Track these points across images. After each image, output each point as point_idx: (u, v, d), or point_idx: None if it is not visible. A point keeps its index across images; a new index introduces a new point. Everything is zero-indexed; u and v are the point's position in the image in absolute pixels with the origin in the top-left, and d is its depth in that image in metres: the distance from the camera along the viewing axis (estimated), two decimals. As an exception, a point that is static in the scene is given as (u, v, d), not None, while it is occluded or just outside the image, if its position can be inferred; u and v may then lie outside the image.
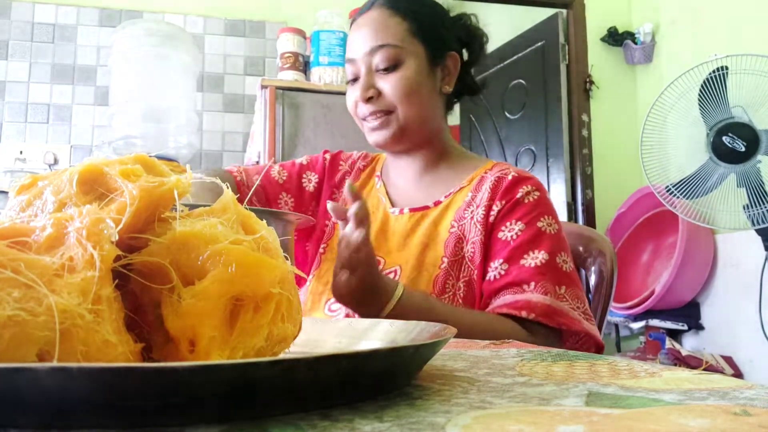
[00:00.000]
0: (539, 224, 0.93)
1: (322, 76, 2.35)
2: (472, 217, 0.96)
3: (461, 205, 0.99)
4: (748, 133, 2.24)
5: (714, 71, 2.26)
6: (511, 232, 0.93)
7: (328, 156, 1.15)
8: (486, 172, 1.02)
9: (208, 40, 2.83)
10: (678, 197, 2.35)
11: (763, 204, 2.21)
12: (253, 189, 1.06)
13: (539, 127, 3.39)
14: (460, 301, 0.92)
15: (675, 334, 2.96)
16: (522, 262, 0.90)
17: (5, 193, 2.23)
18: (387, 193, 1.08)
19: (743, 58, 2.23)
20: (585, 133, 3.29)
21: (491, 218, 0.94)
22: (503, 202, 0.95)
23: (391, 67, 0.97)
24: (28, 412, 0.24)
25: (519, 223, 0.93)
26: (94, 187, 0.34)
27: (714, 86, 2.27)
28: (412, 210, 1.02)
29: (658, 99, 2.39)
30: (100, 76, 2.70)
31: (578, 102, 3.29)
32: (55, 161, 2.61)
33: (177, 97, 2.41)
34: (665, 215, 2.84)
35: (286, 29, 2.49)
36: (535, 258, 0.90)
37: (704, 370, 2.48)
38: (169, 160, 2.21)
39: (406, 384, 0.35)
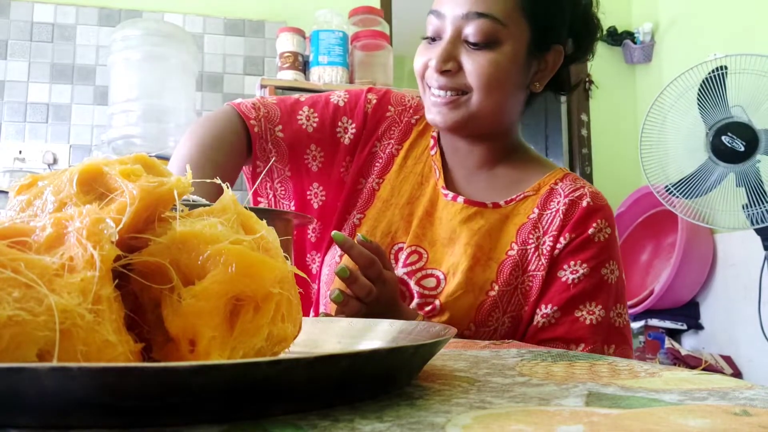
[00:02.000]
0: (603, 271, 0.84)
1: (321, 75, 2.35)
2: (536, 247, 0.85)
3: (525, 222, 0.86)
4: (747, 132, 2.24)
5: (713, 71, 2.26)
6: (574, 274, 0.83)
7: (372, 98, 0.96)
8: (556, 183, 0.89)
9: (207, 39, 2.83)
10: (677, 197, 2.35)
11: (763, 203, 2.22)
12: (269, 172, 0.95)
13: (538, 126, 3.39)
14: (500, 337, 0.83)
15: (674, 334, 2.96)
16: (576, 314, 0.82)
17: (5, 193, 2.23)
18: (442, 165, 0.93)
19: (742, 58, 2.23)
20: (584, 132, 3.29)
21: (556, 251, 0.84)
22: (573, 235, 0.84)
23: (483, 44, 0.81)
24: (28, 412, 0.24)
25: (584, 265, 0.83)
26: (94, 187, 0.34)
27: (713, 86, 2.27)
28: (468, 202, 0.88)
29: (658, 99, 2.39)
30: (99, 76, 2.70)
31: (577, 101, 3.29)
32: (55, 161, 2.61)
33: (176, 96, 2.41)
34: (664, 215, 2.84)
35: (286, 29, 2.49)
36: (591, 313, 0.82)
37: (703, 369, 2.48)
38: (169, 159, 2.21)
39: (406, 384, 0.35)
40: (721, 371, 2.59)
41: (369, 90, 0.97)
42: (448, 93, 0.83)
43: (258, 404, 0.26)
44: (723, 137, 2.26)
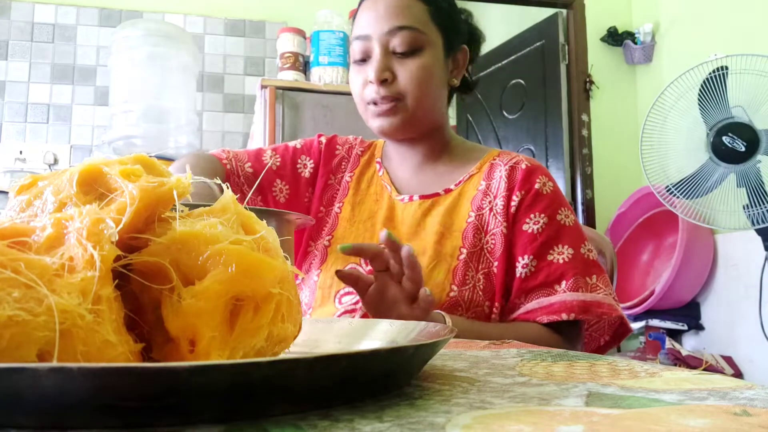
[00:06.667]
0: (558, 217, 0.95)
1: (322, 76, 2.35)
2: (491, 209, 0.96)
3: (476, 193, 0.98)
4: (748, 133, 2.24)
5: (714, 71, 2.26)
6: (536, 224, 0.94)
7: (323, 140, 1.12)
8: (495, 159, 1.02)
9: (208, 40, 2.83)
10: (678, 197, 2.35)
11: (763, 204, 2.21)
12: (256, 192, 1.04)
13: (538, 126, 3.38)
14: (480, 293, 0.91)
15: (675, 334, 2.96)
16: (550, 258, 0.92)
17: (5, 193, 2.23)
18: (390, 180, 1.06)
19: (743, 58, 2.23)
20: (585, 133, 3.29)
21: (512, 209, 0.95)
22: (522, 192, 0.95)
23: (410, 52, 0.94)
24: (28, 412, 0.24)
25: (542, 215, 0.94)
26: (94, 187, 0.34)
27: (714, 86, 2.26)
28: (423, 197, 1.00)
29: (658, 99, 2.39)
30: (99, 76, 2.70)
31: (578, 102, 3.28)
32: (55, 161, 2.61)
33: (177, 97, 2.41)
34: (665, 215, 2.84)
35: (286, 29, 2.49)
36: (561, 254, 0.92)
37: (704, 370, 2.48)
38: (169, 160, 2.22)
39: (406, 384, 0.35)
40: (721, 372, 2.59)
41: (319, 136, 1.14)
42: (387, 102, 0.95)
43: (258, 404, 0.26)
44: (724, 137, 2.26)
